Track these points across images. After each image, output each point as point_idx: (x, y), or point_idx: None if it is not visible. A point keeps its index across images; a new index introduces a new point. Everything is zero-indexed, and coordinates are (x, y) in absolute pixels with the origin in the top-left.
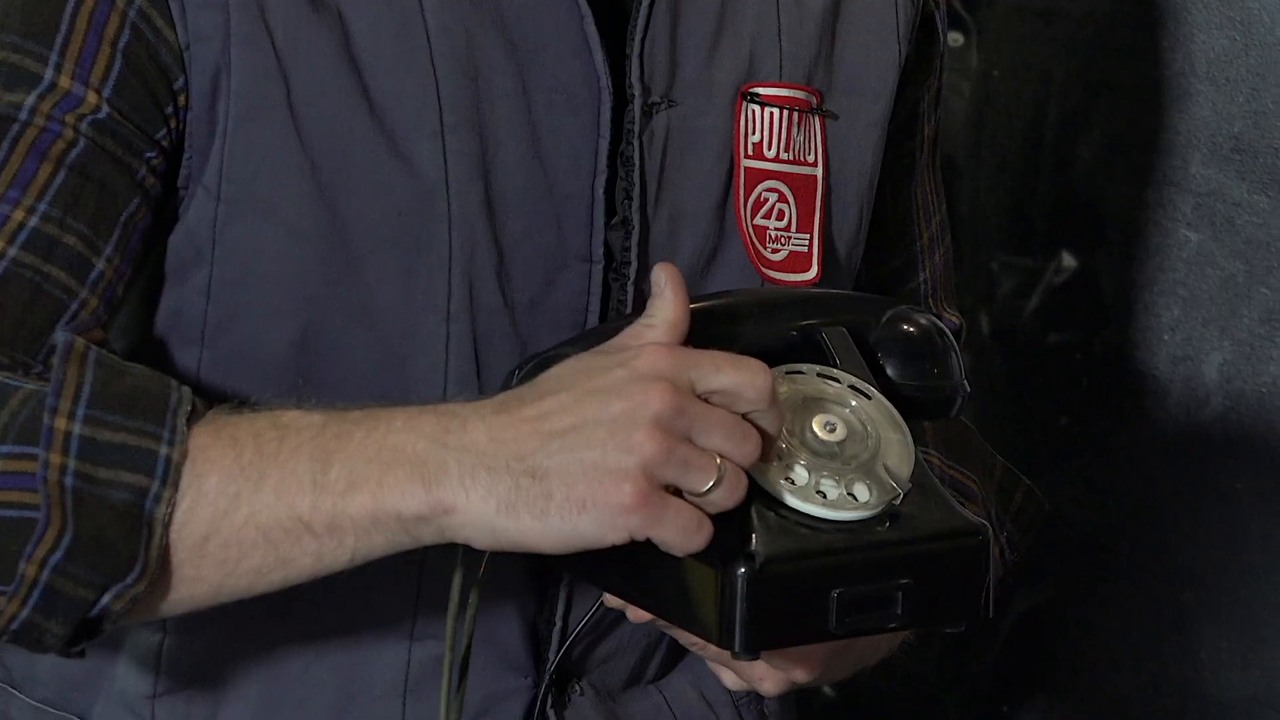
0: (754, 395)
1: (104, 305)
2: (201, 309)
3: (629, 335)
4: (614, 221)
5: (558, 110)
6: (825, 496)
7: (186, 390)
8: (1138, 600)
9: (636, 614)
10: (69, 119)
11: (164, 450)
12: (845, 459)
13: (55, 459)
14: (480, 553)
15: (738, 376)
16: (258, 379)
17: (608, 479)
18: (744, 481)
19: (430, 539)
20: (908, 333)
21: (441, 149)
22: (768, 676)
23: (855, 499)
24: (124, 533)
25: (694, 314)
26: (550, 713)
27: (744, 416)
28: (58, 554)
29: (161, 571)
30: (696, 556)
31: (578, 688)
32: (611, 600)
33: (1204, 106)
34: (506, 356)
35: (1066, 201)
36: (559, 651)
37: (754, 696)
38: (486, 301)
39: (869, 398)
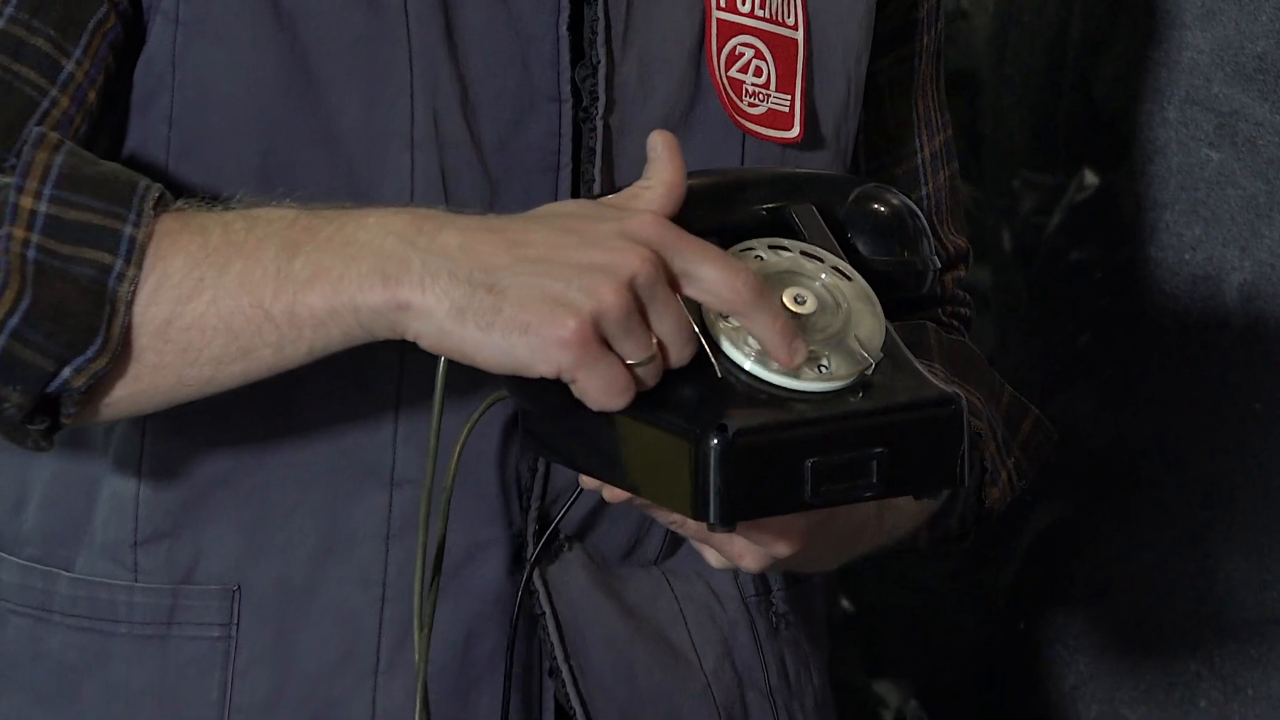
0: (728, 296)
1: (76, 107)
2: (164, 136)
3: (626, 194)
4: (581, 62)
5: None
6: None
7: (158, 184)
8: (1154, 519)
9: (613, 493)
10: None
11: (128, 230)
12: (814, 331)
13: (19, 233)
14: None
15: (718, 274)
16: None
17: (557, 311)
18: (661, 374)
19: (383, 333)
20: (876, 210)
21: None
22: (747, 553)
23: (825, 370)
24: (86, 306)
25: None
26: (532, 566)
27: (727, 316)
28: (14, 318)
29: (125, 356)
30: (669, 430)
31: (566, 545)
32: (587, 481)
33: (1227, 25)
34: (477, 193)
35: (1089, 119)
36: (541, 503)
37: (764, 596)
38: (452, 134)
39: (846, 275)
